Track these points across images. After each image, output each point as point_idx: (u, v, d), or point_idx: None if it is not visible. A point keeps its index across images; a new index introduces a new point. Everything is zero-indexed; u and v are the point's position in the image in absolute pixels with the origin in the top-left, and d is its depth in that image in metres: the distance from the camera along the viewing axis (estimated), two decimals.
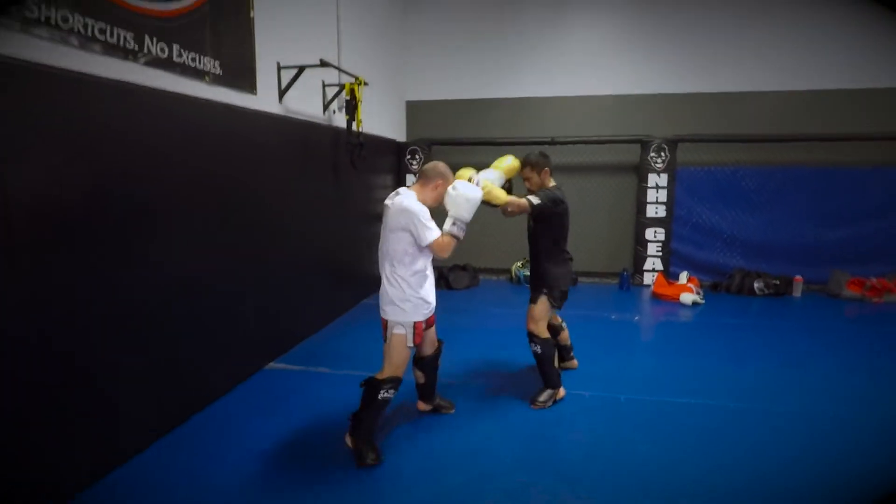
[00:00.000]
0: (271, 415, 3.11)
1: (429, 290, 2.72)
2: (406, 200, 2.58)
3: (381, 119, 6.25)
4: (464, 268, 6.72)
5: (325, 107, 4.81)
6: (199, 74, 3.13)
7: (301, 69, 4.06)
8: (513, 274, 6.87)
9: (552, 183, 3.32)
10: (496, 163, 3.25)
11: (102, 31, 2.44)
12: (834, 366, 3.95)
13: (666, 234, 6.54)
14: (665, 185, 6.44)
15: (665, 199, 6.47)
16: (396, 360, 2.65)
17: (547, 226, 3.27)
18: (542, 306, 3.27)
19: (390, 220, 2.59)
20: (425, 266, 2.69)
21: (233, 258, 3.44)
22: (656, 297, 6.06)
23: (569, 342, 3.75)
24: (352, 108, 4.71)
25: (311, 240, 4.54)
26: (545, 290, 3.26)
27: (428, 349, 2.94)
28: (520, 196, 3.11)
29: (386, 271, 2.65)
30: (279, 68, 4.01)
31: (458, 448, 2.76)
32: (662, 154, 6.39)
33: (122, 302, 2.56)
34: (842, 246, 6.25)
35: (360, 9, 5.57)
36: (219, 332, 3.32)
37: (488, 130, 6.94)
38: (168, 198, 2.86)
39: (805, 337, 4.65)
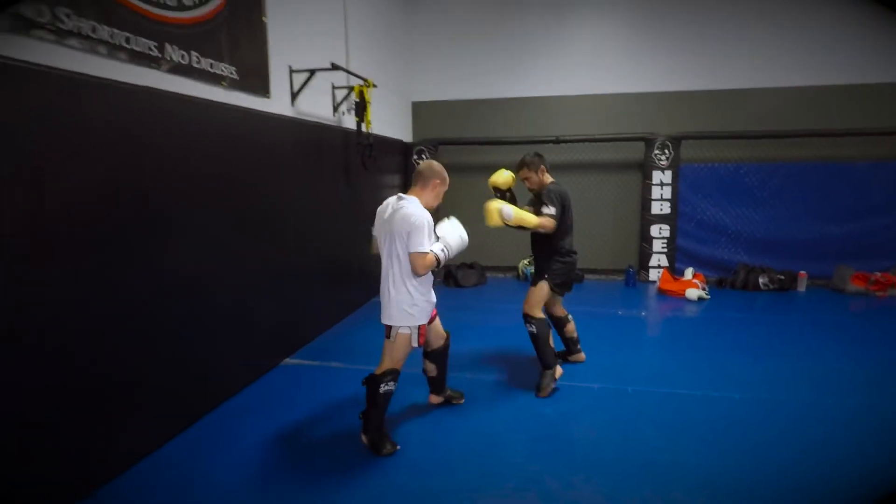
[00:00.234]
0: (291, 407, 3.21)
1: (431, 290, 2.80)
2: (411, 207, 2.63)
3: (388, 120, 6.35)
4: (471, 266, 6.81)
5: (335, 109, 4.91)
6: (216, 79, 3.23)
7: (312, 72, 4.16)
8: (520, 271, 6.95)
9: (550, 179, 3.47)
10: (494, 178, 3.46)
11: (128, 41, 2.54)
12: (840, 359, 4.01)
13: (671, 230, 6.62)
14: (669, 182, 6.52)
15: (669, 196, 6.55)
16: (398, 355, 2.74)
17: None
18: (540, 290, 3.43)
19: (396, 225, 2.62)
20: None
21: (249, 258, 3.54)
22: (662, 293, 6.14)
23: (575, 335, 3.84)
24: (361, 109, 4.80)
25: (323, 239, 4.64)
26: (546, 276, 3.42)
27: (437, 341, 3.03)
28: (523, 206, 3.37)
29: (393, 277, 2.67)
30: (291, 72, 4.11)
31: (474, 439, 2.86)
32: (666, 151, 6.46)
33: (143, 301, 2.64)
34: (845, 241, 6.31)
35: (367, 12, 5.67)
36: (236, 330, 3.42)
37: (493, 130, 7.03)
38: (187, 199, 2.96)
39: (810, 331, 4.72)
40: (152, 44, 2.70)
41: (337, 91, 4.92)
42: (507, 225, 3.27)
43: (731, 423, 2.98)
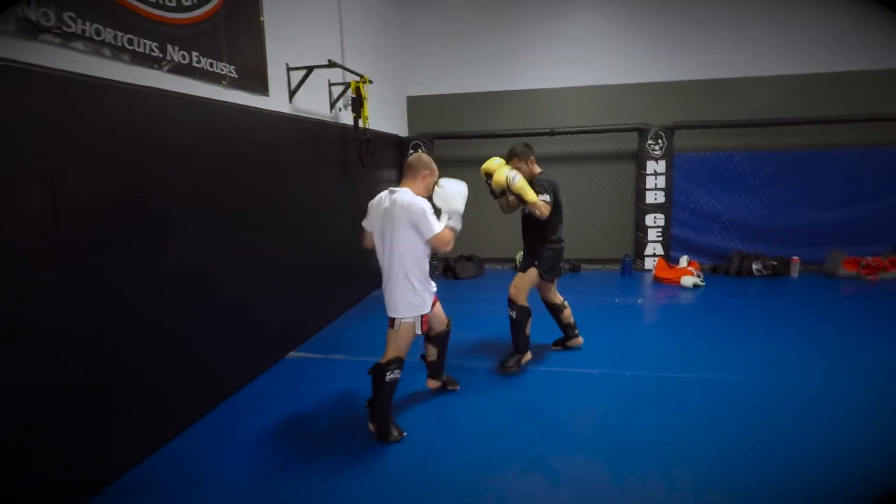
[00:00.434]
0: (296, 399, 3.28)
1: (429, 281, 2.87)
2: (407, 197, 2.71)
3: (384, 115, 6.39)
4: (469, 258, 6.88)
5: (332, 105, 4.95)
6: (216, 78, 3.27)
7: (309, 70, 4.20)
8: (517, 262, 7.01)
9: (538, 169, 3.59)
10: (487, 165, 3.55)
11: (130, 42, 2.58)
12: (832, 340, 4.12)
13: (665, 219, 6.71)
14: (663, 171, 6.60)
15: (664, 186, 6.63)
16: (402, 344, 2.82)
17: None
18: (528, 276, 3.57)
19: (395, 217, 2.69)
20: (425, 258, 2.82)
21: (251, 254, 3.59)
22: (658, 281, 6.23)
23: (572, 320, 3.93)
24: (358, 105, 4.84)
25: (322, 234, 4.69)
26: (535, 263, 3.55)
27: (438, 325, 3.11)
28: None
29: (394, 270, 2.74)
30: (288, 70, 4.15)
31: (478, 424, 2.94)
32: (660, 141, 6.54)
33: (145, 300, 2.68)
34: (837, 227, 6.42)
35: (361, 8, 5.69)
36: (239, 326, 3.48)
37: (488, 123, 7.09)
38: (189, 197, 3.00)
39: (804, 314, 4.82)
40: (154, 44, 2.74)
41: (333, 88, 4.96)
42: (502, 191, 3.42)
43: (728, 404, 3.07)
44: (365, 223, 2.92)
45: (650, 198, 6.68)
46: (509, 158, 3.54)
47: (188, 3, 2.99)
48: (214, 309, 3.20)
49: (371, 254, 2.95)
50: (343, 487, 2.39)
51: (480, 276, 6.78)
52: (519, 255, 7.02)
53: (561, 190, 3.55)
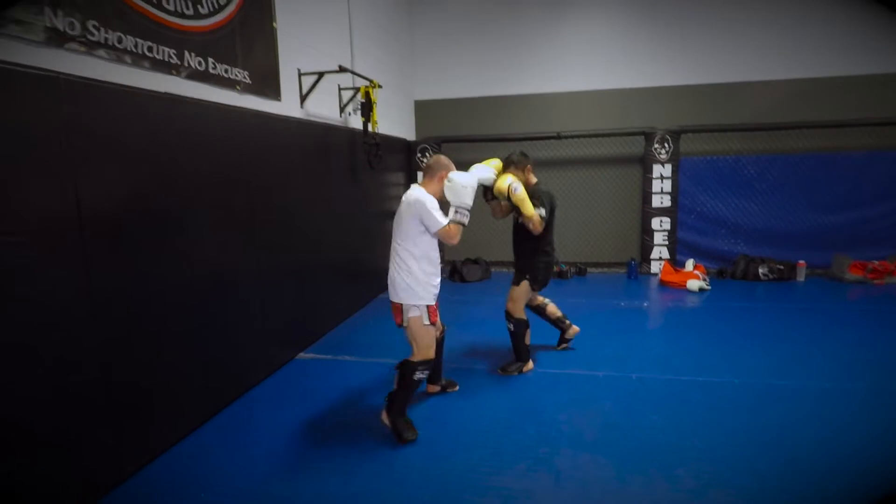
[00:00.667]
0: (307, 398, 3.34)
1: (433, 274, 2.91)
2: (415, 192, 2.83)
3: (392, 119, 6.46)
4: (476, 261, 6.94)
5: (342, 110, 5.03)
6: (231, 84, 3.35)
7: (321, 75, 4.28)
8: None
9: (534, 179, 3.61)
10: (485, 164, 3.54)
11: (150, 49, 2.66)
12: (838, 344, 4.14)
13: (671, 223, 6.73)
14: (669, 175, 6.63)
15: (670, 189, 6.66)
16: (422, 342, 2.88)
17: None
18: (522, 289, 3.62)
19: (402, 211, 2.83)
20: (429, 249, 2.86)
21: (263, 256, 3.66)
22: (664, 285, 6.26)
23: (559, 313, 3.96)
24: (367, 109, 4.92)
25: (332, 237, 4.76)
26: (528, 276, 3.59)
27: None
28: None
29: (395, 258, 2.85)
30: (300, 75, 4.23)
31: (486, 425, 2.99)
32: (666, 145, 6.57)
33: (161, 300, 2.75)
34: (843, 230, 6.42)
35: (370, 15, 5.78)
36: (250, 326, 3.55)
37: (495, 127, 7.15)
38: (204, 200, 3.07)
39: (810, 318, 4.83)
40: (172, 51, 2.82)
41: (343, 92, 5.04)
42: (501, 198, 3.42)
43: (732, 407, 3.10)
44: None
45: (656, 201, 6.71)
46: (506, 167, 3.52)
47: (205, 11, 3.07)
48: (227, 310, 3.27)
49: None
50: (356, 486, 2.45)
51: (487, 280, 6.83)
52: None
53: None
